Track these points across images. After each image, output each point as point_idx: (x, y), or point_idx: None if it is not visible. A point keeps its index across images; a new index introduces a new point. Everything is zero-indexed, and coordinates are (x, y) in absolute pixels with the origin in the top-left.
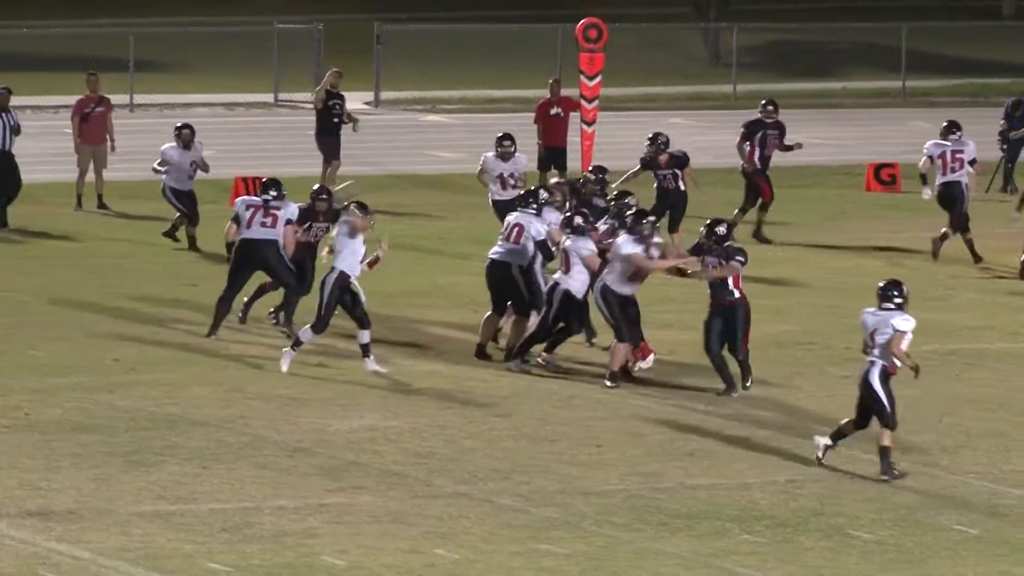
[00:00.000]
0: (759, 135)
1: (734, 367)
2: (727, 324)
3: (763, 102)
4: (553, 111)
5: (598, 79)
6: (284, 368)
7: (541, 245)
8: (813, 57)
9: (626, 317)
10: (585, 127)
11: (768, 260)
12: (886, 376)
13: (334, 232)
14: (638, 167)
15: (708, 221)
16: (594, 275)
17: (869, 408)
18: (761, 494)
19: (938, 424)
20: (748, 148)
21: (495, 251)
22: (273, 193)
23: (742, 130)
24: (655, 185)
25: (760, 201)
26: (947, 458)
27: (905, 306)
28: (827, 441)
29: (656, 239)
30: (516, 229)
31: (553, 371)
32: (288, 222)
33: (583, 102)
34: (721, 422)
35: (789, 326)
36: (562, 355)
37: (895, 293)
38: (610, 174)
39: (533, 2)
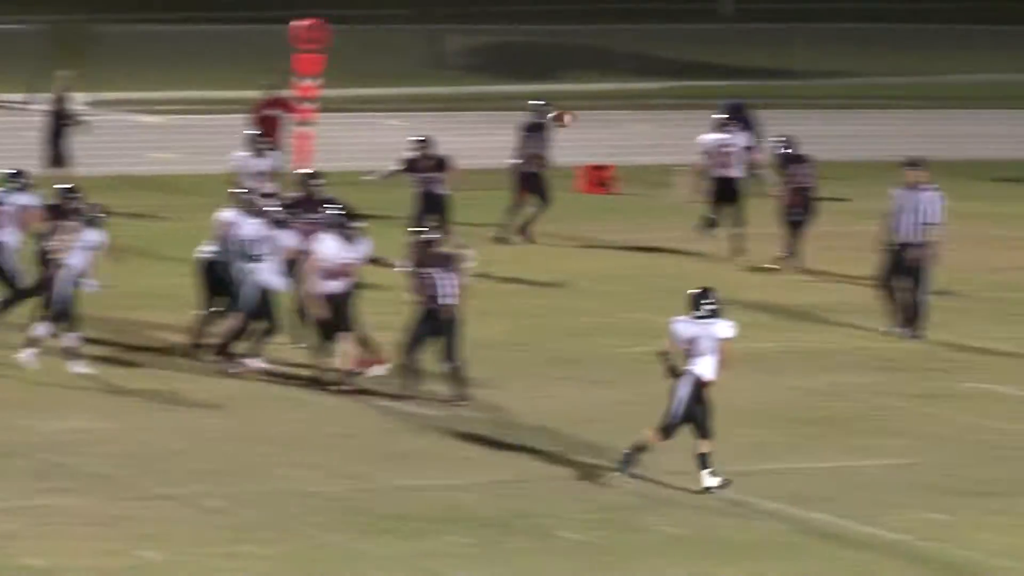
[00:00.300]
0: (535, 136)
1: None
2: (434, 330)
3: (536, 103)
4: (267, 112)
5: (316, 80)
6: (30, 366)
7: (252, 244)
8: (534, 59)
9: (330, 317)
10: (298, 128)
11: (486, 261)
12: (701, 387)
13: (78, 233)
14: (397, 167)
15: (415, 230)
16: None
17: (691, 417)
18: (468, 495)
19: (646, 425)
20: (525, 150)
21: (207, 249)
22: None
23: (522, 132)
24: (419, 190)
25: (518, 201)
26: (654, 459)
27: (720, 312)
28: (710, 476)
29: (361, 244)
30: (228, 228)
31: (264, 373)
32: (23, 209)
33: (297, 103)
34: (431, 424)
35: (505, 327)
36: (274, 357)
37: (709, 300)
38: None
39: (252, 3)
